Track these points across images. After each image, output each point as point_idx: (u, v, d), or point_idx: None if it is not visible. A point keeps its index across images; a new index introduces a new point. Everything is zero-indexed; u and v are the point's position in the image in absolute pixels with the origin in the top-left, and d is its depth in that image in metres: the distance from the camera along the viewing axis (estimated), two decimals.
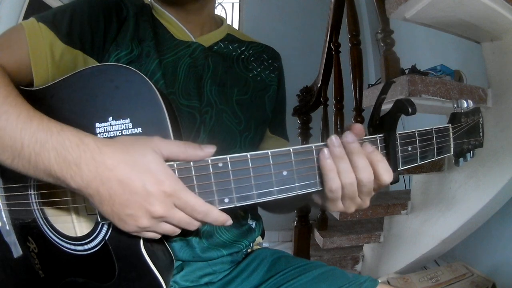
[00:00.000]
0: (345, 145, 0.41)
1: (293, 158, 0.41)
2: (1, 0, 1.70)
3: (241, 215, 0.66)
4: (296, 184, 0.41)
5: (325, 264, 0.62)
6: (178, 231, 0.41)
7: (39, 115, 0.40)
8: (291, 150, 0.41)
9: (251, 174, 0.40)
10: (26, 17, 1.87)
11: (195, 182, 0.40)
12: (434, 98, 1.11)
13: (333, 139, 0.41)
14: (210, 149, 0.40)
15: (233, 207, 0.41)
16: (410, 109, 0.41)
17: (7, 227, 0.50)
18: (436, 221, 1.38)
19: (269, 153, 0.41)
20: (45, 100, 0.46)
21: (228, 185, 0.40)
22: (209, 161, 0.40)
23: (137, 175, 0.36)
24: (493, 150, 1.17)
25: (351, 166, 0.41)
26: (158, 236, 0.41)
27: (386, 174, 0.42)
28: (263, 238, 0.76)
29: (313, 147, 0.42)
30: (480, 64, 1.28)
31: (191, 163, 0.40)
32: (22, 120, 0.39)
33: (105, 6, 0.57)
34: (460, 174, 1.32)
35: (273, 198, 0.41)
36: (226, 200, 0.41)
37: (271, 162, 0.41)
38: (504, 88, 1.18)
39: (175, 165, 0.40)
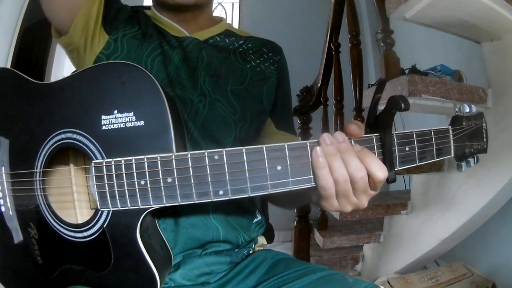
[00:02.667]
0: (336, 145, 0.42)
1: (287, 154, 0.42)
2: (1, 0, 1.70)
3: (247, 213, 0.66)
4: (290, 180, 0.42)
5: (327, 268, 0.61)
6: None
7: None
8: (286, 145, 0.42)
9: (246, 167, 0.42)
10: (26, 17, 1.87)
11: (191, 173, 0.42)
12: (434, 98, 1.11)
13: (325, 137, 0.42)
14: None
15: (228, 199, 0.42)
16: (403, 105, 0.41)
17: (10, 213, 0.52)
18: (436, 221, 1.39)
19: (264, 148, 0.42)
20: (56, 93, 0.49)
21: (223, 178, 0.42)
22: (206, 153, 0.41)
23: None
24: (493, 150, 1.17)
25: (345, 164, 0.42)
26: None
27: (379, 171, 0.42)
28: (271, 241, 0.75)
29: (308, 143, 0.43)
30: (480, 64, 1.28)
31: (188, 154, 0.42)
32: None
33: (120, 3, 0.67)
34: (460, 174, 1.32)
35: (267, 193, 0.42)
36: (221, 192, 0.42)
37: (265, 156, 0.42)
38: (504, 88, 1.18)
39: (173, 156, 0.42)
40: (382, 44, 1.31)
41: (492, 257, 1.48)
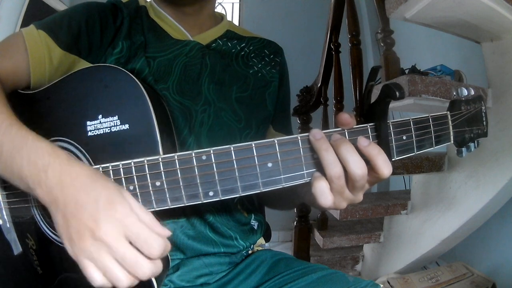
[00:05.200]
0: (332, 143, 0.40)
1: (277, 149, 0.40)
2: (1, 0, 1.70)
3: (244, 215, 0.66)
4: (282, 176, 0.41)
5: (326, 268, 0.60)
6: (121, 278, 0.34)
7: (19, 123, 0.42)
8: (276, 141, 0.40)
9: (235, 166, 0.40)
10: (26, 17, 1.87)
11: (179, 175, 0.40)
12: (434, 98, 1.11)
13: (314, 132, 0.40)
14: (166, 231, 0.37)
15: (218, 200, 0.41)
16: (397, 93, 0.39)
17: (8, 225, 0.52)
18: (436, 221, 1.38)
19: (253, 145, 0.40)
20: (42, 102, 0.48)
21: (212, 178, 0.40)
22: (193, 153, 0.40)
23: (94, 190, 0.36)
24: (493, 150, 1.17)
25: (342, 160, 0.39)
26: (102, 280, 0.35)
27: (386, 168, 0.40)
28: (268, 240, 0.74)
29: (299, 137, 0.41)
30: (480, 64, 1.28)
31: (175, 155, 0.40)
32: (4, 126, 0.41)
33: (101, 12, 0.59)
34: (460, 174, 1.32)
35: (259, 192, 0.41)
36: (211, 194, 0.41)
37: (255, 153, 0.40)
38: (504, 88, 1.18)
39: (160, 158, 0.40)
40: (382, 44, 1.30)
41: (492, 257, 1.48)
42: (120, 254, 0.34)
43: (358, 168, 0.39)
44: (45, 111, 0.48)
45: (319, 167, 0.41)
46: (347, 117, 0.41)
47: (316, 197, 0.41)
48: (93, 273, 0.35)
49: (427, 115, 0.45)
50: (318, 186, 0.40)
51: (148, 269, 0.35)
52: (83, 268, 0.35)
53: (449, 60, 1.56)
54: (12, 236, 0.51)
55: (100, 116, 0.44)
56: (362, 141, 0.40)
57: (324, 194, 0.40)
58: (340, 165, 0.40)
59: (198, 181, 0.40)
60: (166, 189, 0.41)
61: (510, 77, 1.16)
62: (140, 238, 0.35)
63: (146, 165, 0.41)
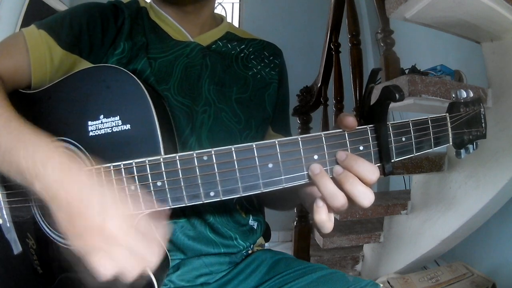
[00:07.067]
0: (336, 177, 0.40)
1: (278, 150, 0.41)
2: (1, 0, 1.70)
3: (242, 216, 0.66)
4: (283, 177, 0.41)
5: (326, 267, 0.61)
6: (132, 268, 0.37)
7: (18, 117, 0.43)
8: (276, 142, 0.41)
9: (236, 167, 0.41)
10: (26, 17, 1.87)
11: (180, 176, 0.41)
12: (434, 98, 1.10)
13: (313, 168, 0.40)
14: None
15: (218, 200, 0.41)
16: (397, 95, 0.40)
17: (8, 224, 0.52)
18: (436, 221, 1.38)
19: (254, 146, 0.41)
20: (43, 102, 0.49)
21: (213, 179, 0.41)
22: (194, 154, 0.40)
23: (98, 187, 0.37)
24: (493, 150, 1.17)
25: (350, 195, 0.40)
26: (110, 273, 0.37)
27: (372, 174, 0.40)
28: (268, 240, 0.75)
29: (299, 138, 0.41)
30: (480, 64, 1.28)
31: (177, 156, 0.41)
32: (3, 120, 0.42)
33: (102, 12, 0.59)
34: (460, 174, 1.32)
35: (259, 192, 0.41)
36: (212, 194, 0.41)
37: (255, 154, 0.41)
38: (504, 88, 1.18)
39: (161, 159, 0.41)
40: (382, 44, 1.30)
41: (492, 257, 1.48)
42: (131, 246, 0.36)
43: (366, 199, 0.40)
44: (46, 111, 0.48)
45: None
46: (353, 120, 0.41)
47: (317, 227, 0.42)
48: (101, 267, 0.36)
49: (426, 117, 0.45)
50: (319, 219, 0.41)
51: (157, 257, 0.38)
52: (92, 263, 0.36)
53: (449, 60, 1.56)
54: (12, 236, 0.51)
55: (101, 116, 0.44)
56: (339, 157, 0.41)
57: (325, 227, 0.42)
58: (342, 195, 0.40)
59: (199, 181, 0.41)
60: (167, 189, 0.41)
61: (510, 77, 1.16)
62: (128, 249, 0.37)
63: (148, 165, 0.41)
